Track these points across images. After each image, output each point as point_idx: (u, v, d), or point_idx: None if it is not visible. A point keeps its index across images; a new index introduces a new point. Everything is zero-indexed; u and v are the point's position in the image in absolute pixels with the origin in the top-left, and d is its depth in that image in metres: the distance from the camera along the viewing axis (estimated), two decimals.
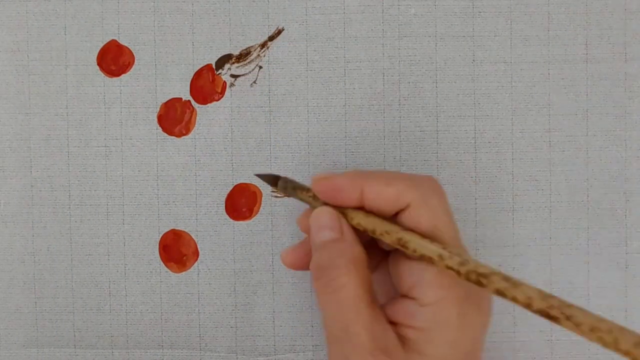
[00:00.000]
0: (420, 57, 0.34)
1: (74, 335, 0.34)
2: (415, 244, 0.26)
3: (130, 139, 0.34)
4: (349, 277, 0.26)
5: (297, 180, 0.30)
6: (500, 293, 0.24)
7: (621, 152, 0.34)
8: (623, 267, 0.34)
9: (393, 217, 0.28)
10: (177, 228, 0.34)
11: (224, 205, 0.34)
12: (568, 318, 0.23)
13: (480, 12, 0.34)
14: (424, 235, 0.26)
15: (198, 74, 0.34)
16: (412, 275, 0.27)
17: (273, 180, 0.31)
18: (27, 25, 0.34)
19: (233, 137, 0.34)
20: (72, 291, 0.34)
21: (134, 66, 0.34)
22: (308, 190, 0.29)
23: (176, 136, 0.34)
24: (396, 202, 0.27)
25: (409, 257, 0.27)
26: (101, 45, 0.34)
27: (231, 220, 0.34)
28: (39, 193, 0.34)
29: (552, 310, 0.23)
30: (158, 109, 0.34)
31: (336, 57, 0.34)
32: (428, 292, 0.26)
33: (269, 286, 0.34)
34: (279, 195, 0.34)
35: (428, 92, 0.34)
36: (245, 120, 0.34)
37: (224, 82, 0.34)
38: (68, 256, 0.34)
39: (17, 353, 0.34)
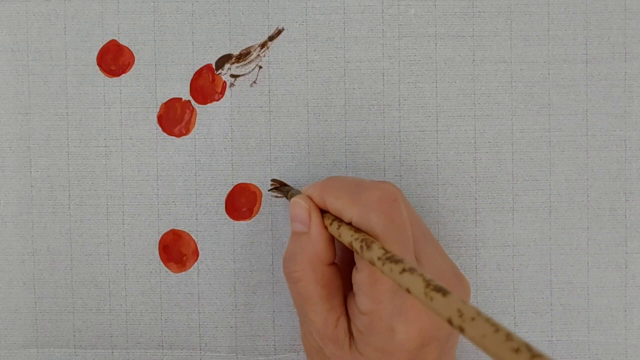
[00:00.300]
0: (420, 57, 0.34)
1: (74, 335, 0.34)
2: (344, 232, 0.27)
3: (130, 139, 0.34)
4: (304, 273, 0.28)
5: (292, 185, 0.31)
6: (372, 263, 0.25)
7: (621, 152, 0.34)
8: (623, 267, 0.34)
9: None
10: (177, 228, 0.34)
11: (224, 205, 0.34)
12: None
13: (480, 12, 0.34)
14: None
15: (198, 74, 0.34)
16: (355, 282, 0.28)
17: (283, 191, 0.32)
18: (27, 25, 0.34)
19: (233, 137, 0.34)
20: (72, 291, 0.34)
21: (134, 66, 0.34)
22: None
23: (176, 136, 0.34)
24: (343, 215, 0.28)
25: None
26: (101, 45, 0.34)
27: (231, 220, 0.34)
28: (38, 193, 0.34)
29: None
30: (158, 109, 0.34)
31: (336, 57, 0.34)
32: (365, 301, 0.27)
33: (269, 286, 0.34)
34: (278, 195, 0.34)
35: (428, 92, 0.34)
36: (245, 120, 0.34)
37: (224, 82, 0.34)
38: (68, 256, 0.34)
39: (17, 353, 0.34)
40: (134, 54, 0.34)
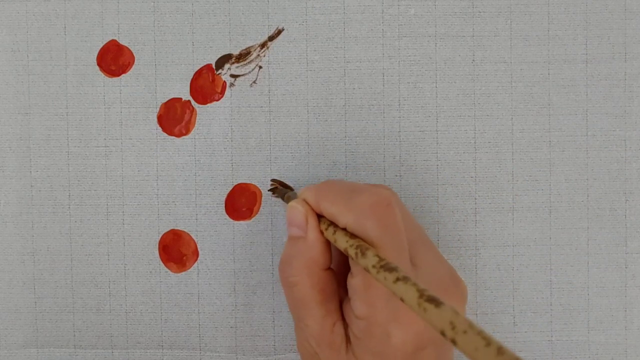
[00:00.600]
0: (420, 57, 0.34)
1: (74, 335, 0.34)
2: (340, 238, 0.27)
3: (130, 139, 0.34)
4: (300, 278, 0.28)
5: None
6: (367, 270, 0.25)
7: (621, 152, 0.34)
8: (623, 267, 0.34)
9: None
10: (177, 228, 0.34)
11: (223, 205, 0.34)
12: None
13: (480, 12, 0.34)
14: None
15: (198, 74, 0.34)
16: (350, 287, 0.28)
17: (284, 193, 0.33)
18: (27, 25, 0.34)
19: (233, 137, 0.34)
20: (72, 291, 0.34)
21: (133, 66, 0.34)
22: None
23: (176, 136, 0.34)
24: (338, 221, 0.28)
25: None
26: (101, 45, 0.34)
27: (231, 220, 0.34)
28: (38, 193, 0.34)
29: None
30: (158, 109, 0.34)
31: (336, 57, 0.34)
32: (360, 306, 0.27)
33: (269, 286, 0.34)
34: (276, 196, 0.34)
35: (428, 92, 0.34)
36: (245, 120, 0.34)
37: (224, 82, 0.34)
38: (68, 256, 0.34)
39: (17, 353, 0.34)
40: (134, 54, 0.34)
